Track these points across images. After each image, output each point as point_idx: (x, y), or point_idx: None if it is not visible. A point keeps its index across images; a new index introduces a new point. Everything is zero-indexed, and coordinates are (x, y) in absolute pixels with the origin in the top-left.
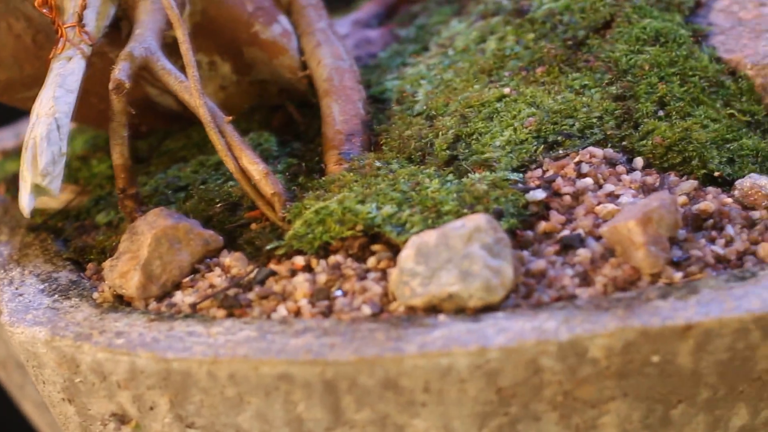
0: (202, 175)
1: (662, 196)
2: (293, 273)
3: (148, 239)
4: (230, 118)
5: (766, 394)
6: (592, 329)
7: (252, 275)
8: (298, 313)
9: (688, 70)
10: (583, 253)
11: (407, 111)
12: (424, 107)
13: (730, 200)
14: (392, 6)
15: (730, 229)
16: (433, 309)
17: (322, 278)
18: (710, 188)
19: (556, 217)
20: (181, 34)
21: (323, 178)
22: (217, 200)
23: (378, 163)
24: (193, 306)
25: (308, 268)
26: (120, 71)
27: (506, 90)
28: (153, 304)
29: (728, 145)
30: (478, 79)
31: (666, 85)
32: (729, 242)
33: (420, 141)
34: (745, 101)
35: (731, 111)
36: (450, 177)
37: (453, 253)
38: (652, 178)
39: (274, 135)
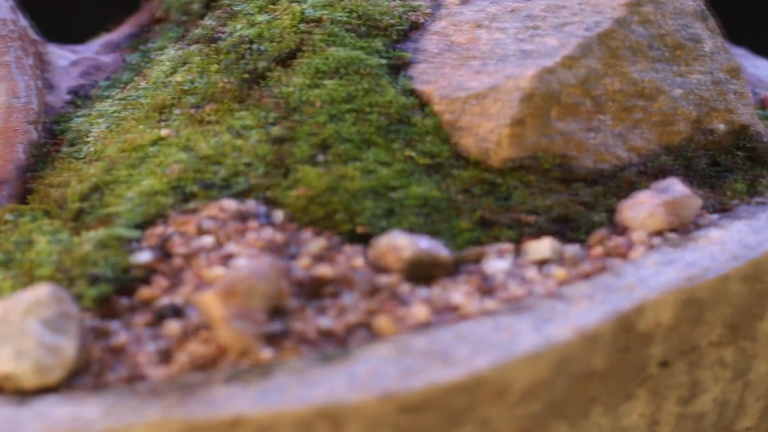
0: None
1: (257, 263)
2: None
3: None
4: None
5: None
6: (132, 420)
7: None
8: None
9: (366, 106)
10: (171, 326)
11: (75, 154)
12: (92, 150)
13: (361, 263)
14: (147, 26)
15: (347, 298)
16: None
17: None
18: (349, 247)
19: (159, 283)
20: None
21: None
22: None
23: (9, 216)
24: None
25: None
26: None
27: (165, 132)
28: None
29: (392, 194)
30: (150, 118)
31: (335, 125)
32: (342, 313)
33: (61, 190)
34: (429, 141)
35: (410, 153)
36: (63, 234)
37: (11, 329)
38: (282, 236)
39: None
